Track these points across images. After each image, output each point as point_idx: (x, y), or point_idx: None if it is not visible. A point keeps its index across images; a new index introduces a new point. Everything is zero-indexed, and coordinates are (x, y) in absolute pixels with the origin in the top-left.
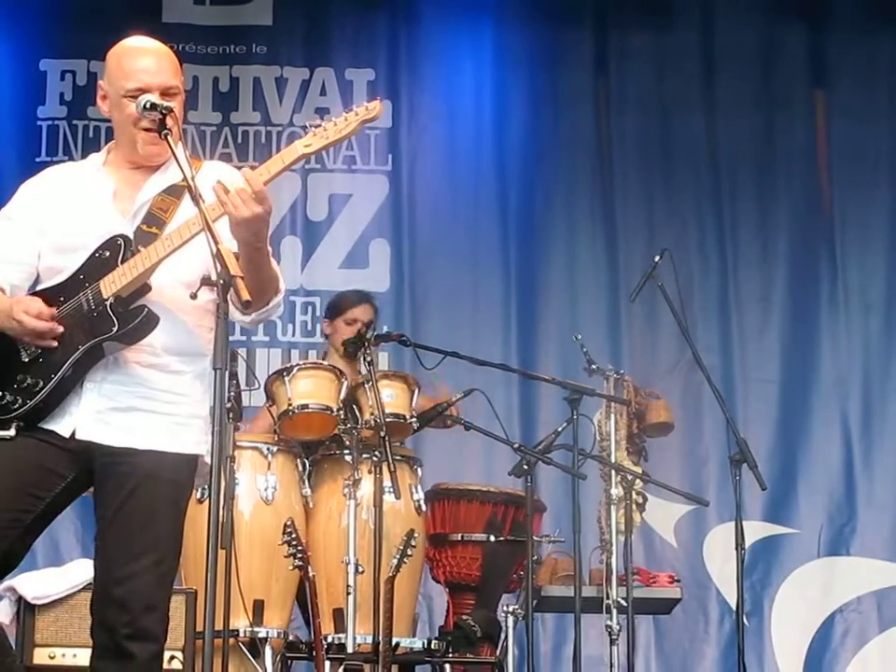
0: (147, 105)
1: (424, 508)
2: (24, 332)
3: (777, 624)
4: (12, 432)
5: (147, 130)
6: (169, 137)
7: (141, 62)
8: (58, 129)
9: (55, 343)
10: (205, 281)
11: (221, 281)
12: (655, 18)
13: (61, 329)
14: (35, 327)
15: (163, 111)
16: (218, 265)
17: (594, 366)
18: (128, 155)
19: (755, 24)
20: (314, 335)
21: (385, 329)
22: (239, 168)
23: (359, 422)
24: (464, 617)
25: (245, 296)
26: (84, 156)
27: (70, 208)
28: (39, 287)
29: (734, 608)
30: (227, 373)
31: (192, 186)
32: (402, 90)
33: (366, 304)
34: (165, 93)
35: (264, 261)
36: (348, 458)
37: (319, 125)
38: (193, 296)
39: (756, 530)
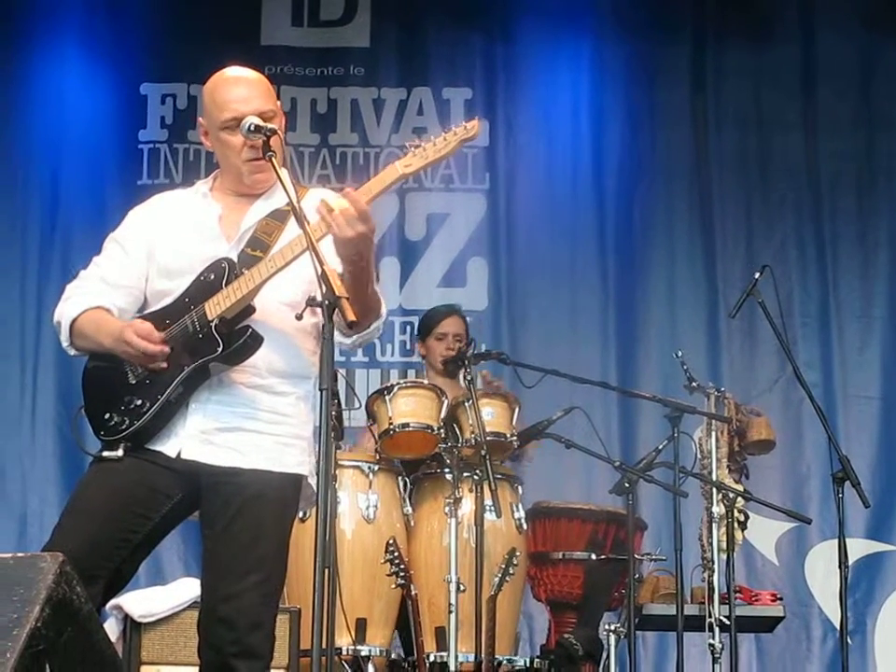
0: (252, 128)
1: (525, 526)
2: (134, 355)
3: (880, 643)
4: (120, 453)
5: (250, 160)
6: (273, 159)
7: (233, 92)
8: (159, 152)
9: (164, 366)
10: (311, 302)
11: (326, 302)
12: (754, 33)
13: (168, 350)
14: (145, 349)
15: (267, 133)
16: (323, 286)
17: (694, 383)
18: (233, 185)
19: (855, 39)
20: (412, 355)
21: (484, 347)
22: (339, 190)
23: (460, 440)
24: (566, 635)
25: (351, 316)
26: (185, 179)
27: (177, 233)
28: (146, 312)
29: (836, 626)
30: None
31: (297, 207)
32: (499, 108)
33: (453, 316)
34: (260, 118)
35: (368, 282)
36: (449, 477)
37: (419, 145)
38: (299, 317)
39: (859, 548)
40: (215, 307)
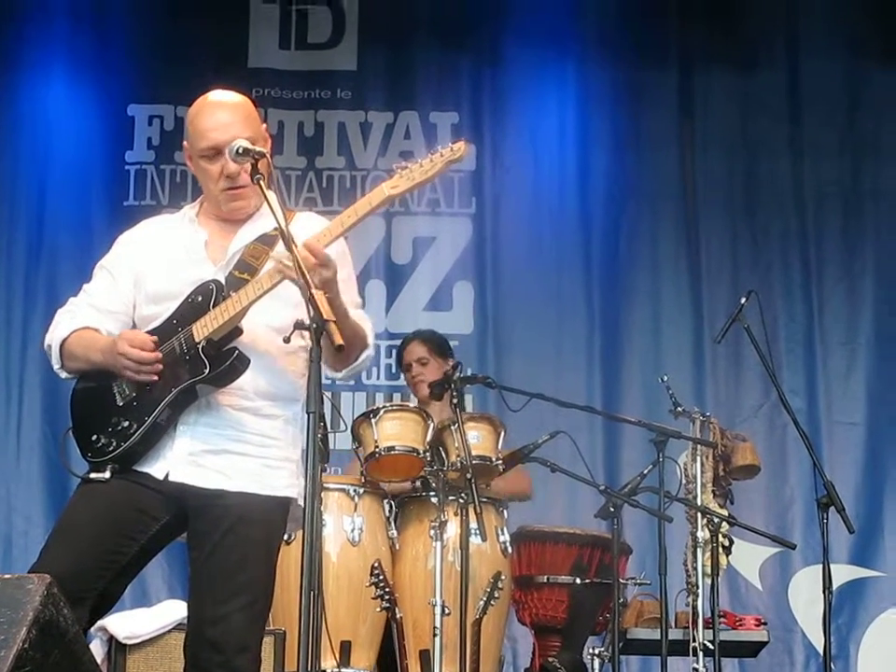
0: (240, 151)
1: (510, 550)
2: (127, 366)
3: (863, 668)
4: (107, 474)
5: (226, 189)
6: (261, 182)
7: (211, 119)
8: (146, 173)
9: (155, 378)
10: (298, 325)
11: (314, 325)
12: (740, 59)
13: (161, 356)
14: (139, 357)
15: (255, 156)
16: (311, 309)
17: (679, 408)
18: (216, 210)
19: (841, 65)
20: (398, 378)
21: (470, 371)
22: (325, 213)
23: (445, 464)
24: (550, 659)
25: (339, 340)
26: (171, 200)
27: (164, 258)
28: None
29: (819, 651)
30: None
31: (285, 230)
32: (486, 132)
33: (411, 343)
34: None
35: (340, 314)
36: (434, 500)
37: (405, 167)
38: (286, 340)
39: (842, 573)
40: (202, 329)
